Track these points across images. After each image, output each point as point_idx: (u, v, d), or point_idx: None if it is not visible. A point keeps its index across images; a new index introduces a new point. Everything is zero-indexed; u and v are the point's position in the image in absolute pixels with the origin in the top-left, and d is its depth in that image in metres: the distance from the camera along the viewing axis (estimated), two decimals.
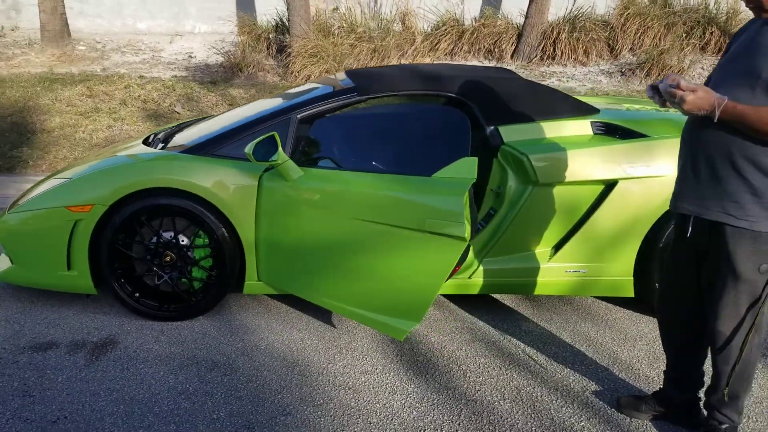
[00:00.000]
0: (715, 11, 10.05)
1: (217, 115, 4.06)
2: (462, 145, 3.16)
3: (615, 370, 2.90)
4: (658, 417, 2.48)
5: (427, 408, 2.58)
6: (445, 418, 2.52)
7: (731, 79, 2.03)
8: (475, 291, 3.31)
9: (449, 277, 2.98)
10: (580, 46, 10.01)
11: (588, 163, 3.14)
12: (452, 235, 2.56)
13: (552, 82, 9.35)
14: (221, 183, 3.11)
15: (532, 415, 2.54)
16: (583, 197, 3.20)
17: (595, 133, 3.42)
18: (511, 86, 3.45)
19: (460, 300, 3.59)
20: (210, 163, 3.17)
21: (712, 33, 9.75)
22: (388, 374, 2.83)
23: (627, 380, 2.82)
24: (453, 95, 3.39)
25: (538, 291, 3.31)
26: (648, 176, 3.11)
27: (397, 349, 3.04)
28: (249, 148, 2.89)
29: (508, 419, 2.52)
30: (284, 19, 9.87)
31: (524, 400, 2.64)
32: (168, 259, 3.26)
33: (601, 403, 2.63)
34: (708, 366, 2.45)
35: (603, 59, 10.09)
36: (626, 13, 10.17)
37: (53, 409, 2.52)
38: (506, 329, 3.28)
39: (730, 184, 2.03)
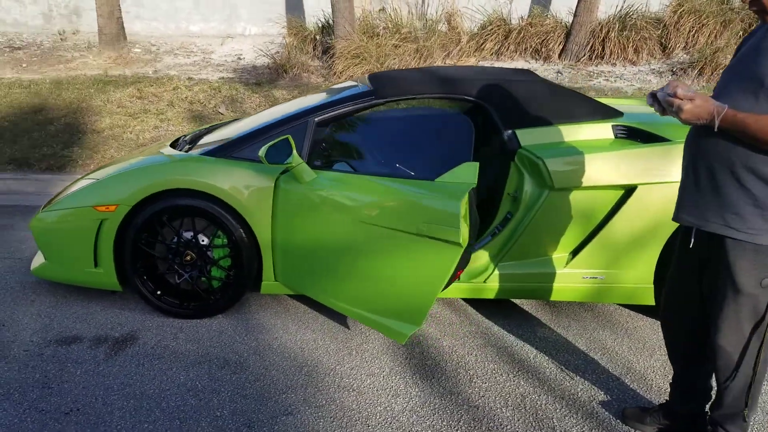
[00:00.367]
0: None
1: (246, 118, 4.15)
2: (465, 149, 3.15)
3: (627, 380, 2.84)
4: (663, 430, 2.42)
5: (428, 412, 2.58)
6: (444, 423, 2.52)
7: (735, 85, 1.96)
8: (491, 295, 3.29)
9: (452, 282, 2.97)
10: (630, 44, 9.76)
11: (606, 168, 3.07)
12: (448, 240, 2.56)
13: (599, 82, 9.16)
14: (239, 185, 3.18)
15: (534, 424, 2.51)
16: (601, 202, 3.14)
17: (616, 137, 3.34)
18: (530, 89, 3.41)
19: (478, 304, 3.57)
20: (229, 165, 3.25)
21: None
22: (394, 377, 2.84)
23: (638, 391, 2.75)
24: (471, 98, 3.37)
25: (554, 297, 3.26)
26: (668, 181, 3.01)
27: (407, 353, 3.05)
28: (262, 151, 2.95)
29: (508, 427, 2.50)
30: (330, 21, 9.97)
31: (527, 408, 2.62)
32: (188, 258, 3.35)
33: (606, 413, 2.58)
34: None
35: (654, 58, 9.81)
36: (680, 11, 9.87)
37: (68, 402, 2.64)
38: (521, 335, 3.24)
39: (731, 195, 1.95)
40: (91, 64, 9.91)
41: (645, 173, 3.04)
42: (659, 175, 3.02)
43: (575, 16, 9.94)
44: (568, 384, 2.80)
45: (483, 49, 10.38)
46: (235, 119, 4.49)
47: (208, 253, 3.35)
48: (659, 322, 3.29)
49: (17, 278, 3.89)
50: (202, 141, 3.77)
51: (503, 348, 3.11)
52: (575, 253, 3.22)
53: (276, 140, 2.98)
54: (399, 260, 2.73)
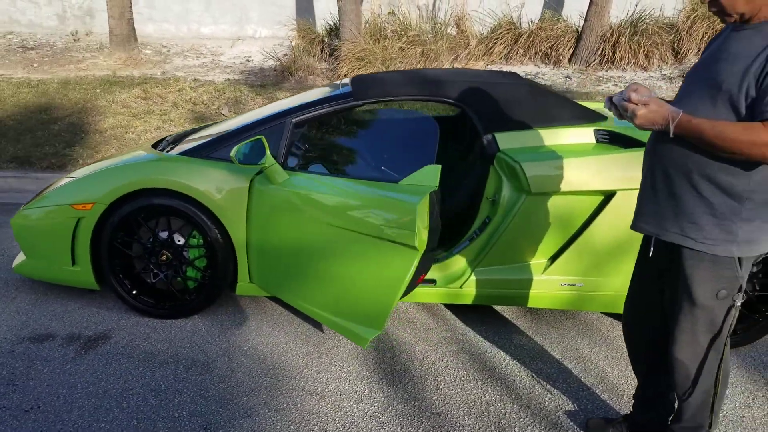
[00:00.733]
0: None
1: (232, 118, 4.14)
2: (430, 151, 3.11)
3: (598, 390, 2.77)
4: None
5: (388, 418, 2.54)
6: (403, 429, 2.47)
7: (694, 90, 1.89)
8: (468, 301, 3.24)
9: (414, 286, 2.93)
10: (642, 50, 9.65)
11: (585, 173, 3.01)
12: (405, 244, 2.51)
13: (608, 88, 9.05)
14: (214, 185, 3.16)
15: None
16: (580, 208, 3.08)
17: (598, 141, 3.27)
18: (512, 92, 3.35)
19: (458, 310, 3.52)
20: (205, 165, 3.24)
21: None
22: (360, 382, 2.80)
23: (608, 401, 2.69)
24: (450, 101, 3.32)
25: (531, 303, 3.20)
26: None
27: (377, 357, 3.01)
28: (233, 152, 2.94)
29: None
30: (337, 24, 9.98)
31: (490, 416, 2.56)
32: (164, 258, 3.34)
33: (570, 424, 2.52)
34: None
35: (666, 64, 9.68)
36: (693, 16, 9.74)
37: (30, 399, 2.64)
38: (497, 342, 3.19)
39: (688, 204, 1.88)
40: (101, 65, 10.00)
41: (624, 179, 2.97)
42: (639, 181, 2.95)
43: (586, 20, 9.85)
44: (536, 393, 2.74)
45: (492, 52, 10.31)
46: (218, 122, 4.49)
47: (184, 253, 3.34)
48: None
49: (2, 275, 3.91)
50: (182, 142, 3.77)
51: (476, 355, 3.06)
52: (553, 259, 3.16)
53: (247, 141, 2.96)
54: (361, 263, 2.69)
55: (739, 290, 1.88)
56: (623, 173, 2.97)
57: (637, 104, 1.84)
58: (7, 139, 6.83)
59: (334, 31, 10.20)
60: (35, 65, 10.04)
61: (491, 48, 10.27)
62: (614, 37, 9.80)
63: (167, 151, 3.58)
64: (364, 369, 2.91)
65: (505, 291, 3.21)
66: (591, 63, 9.88)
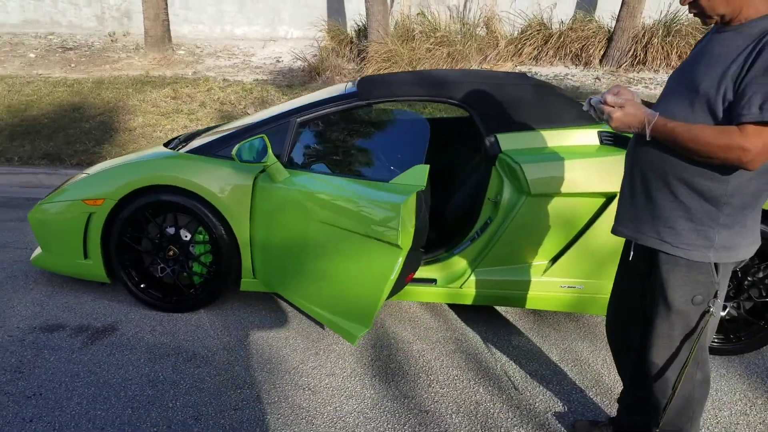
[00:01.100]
0: None
1: (244, 118, 4.21)
2: (419, 152, 3.12)
3: (591, 393, 2.75)
4: None
5: (376, 414, 2.57)
6: (389, 426, 2.50)
7: (674, 92, 1.87)
8: (468, 301, 3.25)
9: (402, 285, 2.94)
10: (674, 51, 9.48)
11: (586, 175, 2.99)
12: (390, 242, 2.53)
13: (638, 89, 8.91)
14: (219, 182, 3.23)
15: (479, 431, 2.47)
16: (581, 210, 3.06)
17: (602, 143, 3.24)
18: (517, 93, 3.34)
19: (460, 310, 3.52)
20: (211, 163, 3.31)
21: None
22: (353, 378, 2.83)
23: (599, 404, 2.67)
24: (454, 102, 3.33)
25: (530, 305, 3.19)
26: None
27: (373, 355, 3.04)
28: (234, 150, 3.00)
29: None
30: (366, 25, 10.04)
31: (478, 416, 2.57)
32: (171, 253, 3.43)
33: (558, 425, 2.51)
34: None
35: None
36: None
37: (33, 386, 2.74)
38: (495, 342, 3.19)
39: (664, 208, 1.86)
40: (136, 65, 10.25)
41: None
42: None
43: (617, 21, 9.72)
44: (528, 394, 2.73)
45: (521, 53, 10.25)
46: (230, 121, 4.57)
47: (190, 248, 3.42)
48: None
49: (23, 268, 4.06)
50: (193, 141, 3.85)
51: (473, 355, 3.06)
52: (554, 261, 3.15)
53: (249, 139, 3.02)
54: (350, 261, 2.73)
55: (715, 296, 1.85)
56: None
57: (613, 106, 1.84)
58: (40, 136, 7.06)
59: (362, 32, 10.27)
60: (73, 65, 10.34)
61: (520, 49, 10.22)
62: (646, 38, 9.66)
63: (177, 150, 3.67)
64: (359, 366, 2.94)
65: (505, 292, 3.21)
66: (622, 64, 9.75)
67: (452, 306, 3.58)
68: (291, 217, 3.01)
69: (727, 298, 3.05)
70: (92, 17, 12.32)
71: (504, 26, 10.55)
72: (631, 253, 2.03)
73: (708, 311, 1.86)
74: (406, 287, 3.24)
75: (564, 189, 3.00)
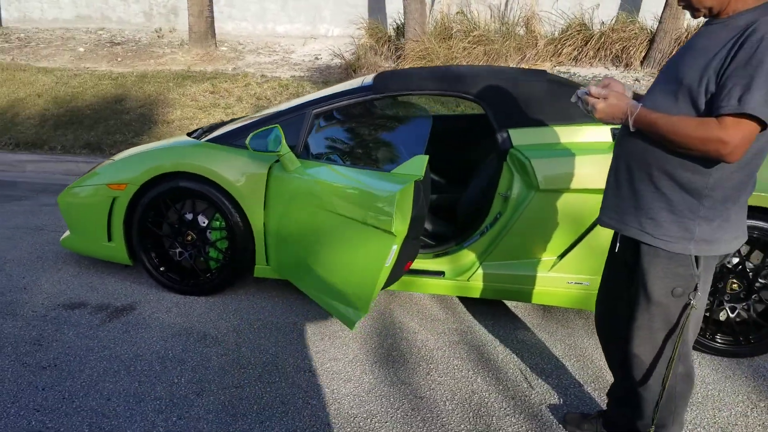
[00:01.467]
0: None
1: (267, 109, 4.32)
2: (420, 144, 3.16)
3: (590, 388, 2.75)
4: None
5: (371, 398, 2.62)
6: (381, 409, 2.55)
7: (660, 84, 1.88)
8: (475, 294, 3.27)
9: (400, 274, 2.97)
10: None
11: (595, 171, 2.98)
12: (384, 229, 2.58)
13: None
14: (235, 171, 3.33)
15: (470, 419, 2.49)
16: (589, 206, 3.05)
17: (614, 140, 3.23)
18: (531, 89, 3.34)
19: (469, 303, 3.55)
20: (228, 152, 3.41)
21: None
22: (354, 364, 2.90)
23: (596, 399, 2.67)
24: (468, 96, 3.36)
25: (536, 300, 3.20)
26: None
27: (378, 342, 3.10)
28: (248, 139, 3.09)
29: (444, 419, 2.49)
30: (404, 23, 10.10)
31: (472, 405, 2.60)
32: (189, 238, 3.55)
33: (551, 417, 2.52)
34: None
35: None
36: None
37: (50, 358, 2.88)
38: (500, 335, 3.21)
39: (647, 199, 1.87)
40: (179, 60, 10.52)
41: None
42: None
43: (660, 22, 9.56)
44: (525, 386, 2.75)
45: (560, 53, 10.16)
46: (257, 113, 4.68)
47: (207, 234, 3.54)
48: None
49: (54, 249, 4.25)
50: (216, 131, 3.97)
51: (476, 346, 3.09)
52: (561, 257, 3.15)
53: (262, 129, 3.11)
54: (350, 248, 2.78)
55: (695, 289, 1.84)
56: None
57: (598, 98, 1.85)
58: (82, 126, 7.33)
59: (400, 31, 10.33)
60: (119, 59, 10.67)
61: (560, 49, 10.12)
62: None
63: (200, 139, 3.79)
64: (361, 352, 3.00)
65: (511, 286, 3.22)
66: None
67: (462, 299, 3.61)
68: (300, 205, 3.08)
69: (738, 300, 3.01)
70: (140, 13, 12.69)
71: (544, 26, 10.47)
72: (617, 244, 2.04)
73: (689, 304, 1.86)
74: (415, 279, 3.29)
75: (573, 185, 3.01)
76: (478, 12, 10.81)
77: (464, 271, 3.27)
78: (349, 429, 2.43)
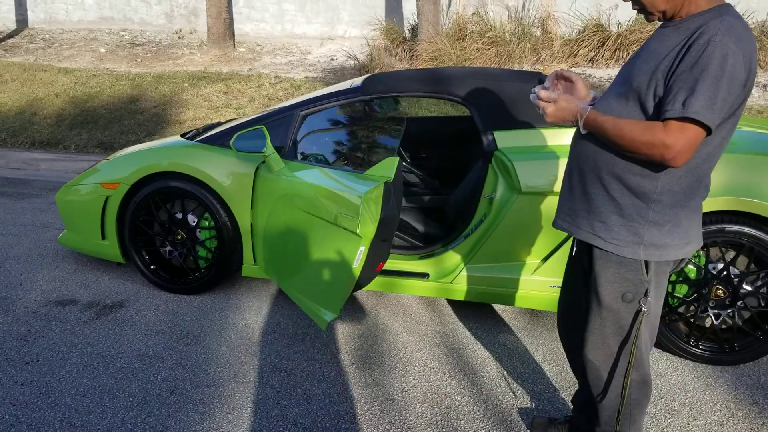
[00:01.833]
0: None
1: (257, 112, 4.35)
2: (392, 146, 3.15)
3: (564, 394, 2.72)
4: None
5: (341, 399, 2.63)
6: (352, 411, 2.55)
7: (615, 87, 1.86)
8: (458, 296, 3.26)
9: (373, 275, 2.97)
10: None
11: None
12: (351, 230, 2.59)
13: None
14: (224, 171, 3.37)
15: (438, 422, 2.49)
16: None
17: None
18: (518, 91, 3.32)
19: (456, 306, 3.54)
20: (217, 152, 3.45)
21: None
22: (330, 365, 2.91)
23: (569, 405, 2.64)
24: (455, 98, 3.35)
25: (519, 303, 3.18)
26: None
27: (358, 343, 3.10)
28: (232, 140, 3.13)
29: (413, 421, 2.49)
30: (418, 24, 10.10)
31: (442, 408, 2.59)
32: (179, 237, 3.60)
33: (519, 422, 2.50)
34: None
35: (763, 70, 9.06)
36: None
37: (34, 353, 2.94)
38: (482, 339, 3.19)
39: (598, 202, 1.84)
40: (197, 61, 10.65)
41: None
42: None
43: None
44: (499, 390, 2.73)
45: (576, 54, 10.06)
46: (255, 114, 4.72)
47: (197, 233, 3.58)
48: None
49: (55, 247, 4.33)
50: (209, 132, 4.01)
51: (456, 349, 3.08)
52: (544, 260, 3.12)
53: (246, 130, 3.14)
54: (322, 249, 2.80)
55: (645, 295, 1.82)
56: None
57: (548, 102, 1.84)
58: (97, 126, 7.46)
59: (415, 31, 10.32)
60: (138, 60, 10.84)
61: (576, 50, 10.02)
62: None
63: (194, 140, 3.84)
64: (341, 353, 3.01)
65: (494, 289, 3.20)
66: None
67: (451, 302, 3.59)
68: (283, 206, 3.11)
69: (722, 306, 2.95)
70: (162, 15, 12.86)
71: (560, 27, 10.38)
72: (574, 248, 2.02)
73: (640, 311, 1.83)
74: (399, 280, 3.29)
75: (556, 188, 2.98)
76: (494, 13, 10.75)
77: (448, 274, 3.26)
78: (315, 430, 2.44)
